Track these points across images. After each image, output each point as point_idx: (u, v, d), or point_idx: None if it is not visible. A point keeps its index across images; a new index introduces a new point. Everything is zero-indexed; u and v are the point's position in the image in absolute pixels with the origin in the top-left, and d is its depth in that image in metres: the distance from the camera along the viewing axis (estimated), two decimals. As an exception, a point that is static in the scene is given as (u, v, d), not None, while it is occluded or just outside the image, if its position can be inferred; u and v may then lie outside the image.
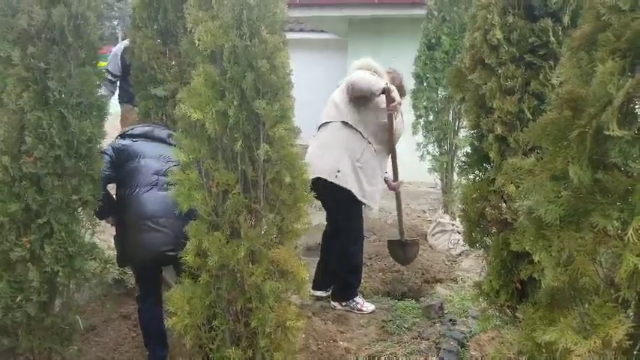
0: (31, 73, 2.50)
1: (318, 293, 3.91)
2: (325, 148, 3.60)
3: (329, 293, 3.88)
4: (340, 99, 3.64)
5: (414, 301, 3.83)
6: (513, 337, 1.38)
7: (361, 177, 3.53)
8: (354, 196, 3.52)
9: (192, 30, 2.31)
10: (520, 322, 2.28)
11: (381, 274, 4.36)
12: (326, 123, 3.69)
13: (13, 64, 2.52)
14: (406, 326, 3.44)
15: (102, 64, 3.09)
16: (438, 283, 4.15)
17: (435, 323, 3.50)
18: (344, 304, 3.68)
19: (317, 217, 4.10)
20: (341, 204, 3.58)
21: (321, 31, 11.02)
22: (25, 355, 2.75)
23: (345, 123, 3.57)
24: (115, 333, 3.36)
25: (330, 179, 3.48)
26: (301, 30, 11.44)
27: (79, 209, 2.72)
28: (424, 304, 3.71)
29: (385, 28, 8.36)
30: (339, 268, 3.70)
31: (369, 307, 3.71)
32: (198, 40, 2.27)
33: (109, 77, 5.05)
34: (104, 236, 3.85)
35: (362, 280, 4.18)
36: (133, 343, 3.26)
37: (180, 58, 3.76)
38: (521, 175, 1.34)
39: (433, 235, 5.09)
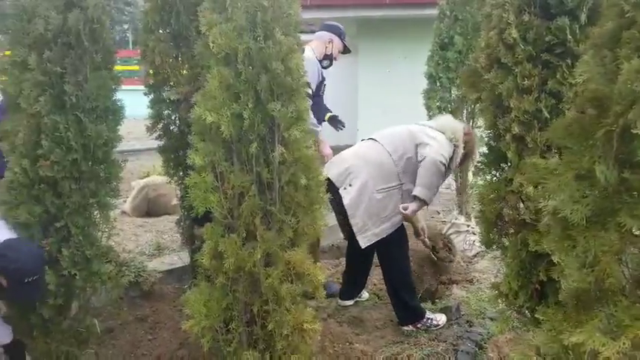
0: (47, 78, 2.53)
1: (347, 303, 3.84)
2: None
3: (356, 301, 3.86)
4: (404, 143, 3.44)
5: (430, 302, 3.80)
6: (538, 339, 1.35)
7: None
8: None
9: (206, 33, 2.32)
10: (540, 323, 2.26)
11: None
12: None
13: (30, 68, 2.54)
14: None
15: (117, 67, 3.10)
16: (454, 285, 4.12)
17: (451, 325, 3.47)
18: (419, 325, 3.46)
19: (331, 218, 4.07)
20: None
21: (311, 32, 10.99)
22: (42, 358, 2.77)
23: (388, 153, 3.42)
24: (130, 336, 3.37)
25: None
26: (312, 31, 11.43)
27: (96, 212, 2.74)
28: (440, 306, 3.69)
29: (396, 29, 8.34)
30: (394, 294, 3.52)
31: (442, 318, 3.52)
32: (213, 43, 2.27)
33: None
34: (118, 239, 3.86)
35: (378, 283, 4.17)
36: (149, 346, 3.26)
37: (193, 61, 3.77)
38: (545, 175, 1.32)
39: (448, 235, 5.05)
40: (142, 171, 7.65)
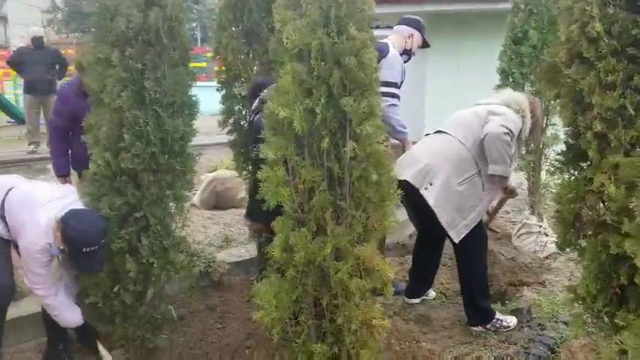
0: (129, 74, 2.64)
1: (414, 301, 3.80)
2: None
3: (423, 299, 3.82)
4: (473, 127, 3.35)
5: (499, 304, 3.70)
6: (629, 343, 1.29)
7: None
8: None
9: (280, 29, 2.35)
10: (620, 329, 2.15)
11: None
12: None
13: (113, 65, 2.66)
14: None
15: (193, 64, 3.20)
16: (525, 287, 3.99)
17: (522, 327, 3.37)
18: (488, 326, 3.39)
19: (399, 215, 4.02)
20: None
21: (387, 27, 10.88)
22: (120, 342, 2.91)
23: (463, 145, 3.33)
24: (201, 324, 3.48)
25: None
26: (377, 27, 11.35)
27: (171, 204, 2.84)
28: (511, 308, 3.58)
29: (466, 23, 8.14)
30: (467, 292, 3.46)
31: (512, 320, 3.44)
32: (286, 39, 2.30)
33: None
34: (188, 230, 3.99)
35: (445, 282, 4.11)
36: (218, 335, 3.36)
37: (264, 58, 3.84)
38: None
39: (519, 236, 4.91)
40: (210, 165, 7.85)
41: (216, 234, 4.92)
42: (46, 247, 2.54)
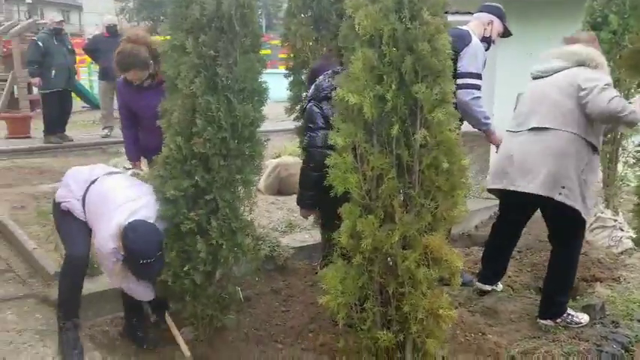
0: (202, 61, 2.70)
1: (487, 288, 3.69)
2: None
3: (490, 290, 3.70)
4: (569, 108, 3.14)
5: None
6: None
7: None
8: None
9: (352, 15, 2.33)
10: None
11: (532, 268, 4.13)
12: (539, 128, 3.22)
13: (187, 51, 2.73)
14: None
15: (264, 51, 3.24)
16: (598, 282, 3.82)
17: (594, 324, 3.24)
18: (558, 320, 3.29)
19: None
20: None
21: (467, 13, 10.58)
22: (189, 320, 3.02)
23: (572, 133, 3.14)
24: (265, 306, 3.55)
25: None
26: (445, 12, 11.07)
27: (240, 188, 2.90)
28: (582, 304, 3.44)
29: (539, 9, 7.81)
30: (550, 289, 3.34)
31: (584, 317, 3.32)
32: (358, 25, 2.28)
33: None
34: (253, 214, 4.06)
35: (512, 275, 4.00)
36: (282, 317, 3.42)
37: (332, 44, 3.83)
38: None
39: (592, 230, 4.69)
40: (274, 152, 7.96)
41: (279, 219, 4.99)
42: (113, 250, 2.67)
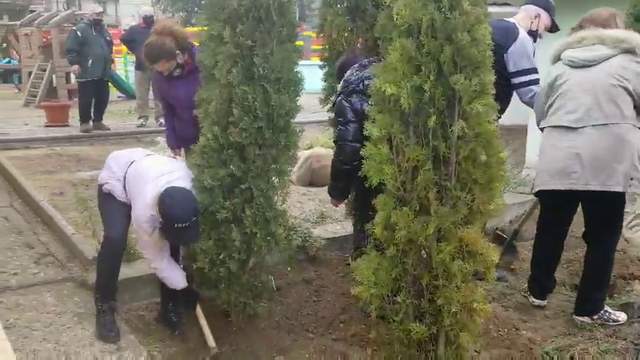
0: (239, 50, 2.71)
1: (542, 303, 3.47)
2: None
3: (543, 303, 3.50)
4: (624, 99, 3.02)
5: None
6: None
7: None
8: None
9: (390, 5, 2.31)
10: None
11: (567, 265, 4.05)
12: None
13: (224, 41, 2.75)
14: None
15: (299, 43, 3.23)
16: (636, 281, 3.73)
17: (633, 323, 3.17)
18: (595, 317, 3.22)
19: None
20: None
21: (504, 4, 10.35)
22: (223, 307, 3.06)
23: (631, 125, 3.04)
24: (297, 295, 3.57)
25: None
26: (493, 3, 10.84)
27: (274, 178, 2.92)
28: (620, 302, 3.37)
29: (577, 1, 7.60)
30: (587, 285, 3.26)
31: (622, 315, 3.25)
32: (396, 15, 2.26)
33: None
34: (285, 205, 4.08)
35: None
36: (314, 307, 3.44)
37: (368, 34, 3.80)
38: None
39: (630, 227, 4.57)
40: (306, 143, 7.96)
41: (311, 210, 5.01)
42: (150, 218, 2.77)
